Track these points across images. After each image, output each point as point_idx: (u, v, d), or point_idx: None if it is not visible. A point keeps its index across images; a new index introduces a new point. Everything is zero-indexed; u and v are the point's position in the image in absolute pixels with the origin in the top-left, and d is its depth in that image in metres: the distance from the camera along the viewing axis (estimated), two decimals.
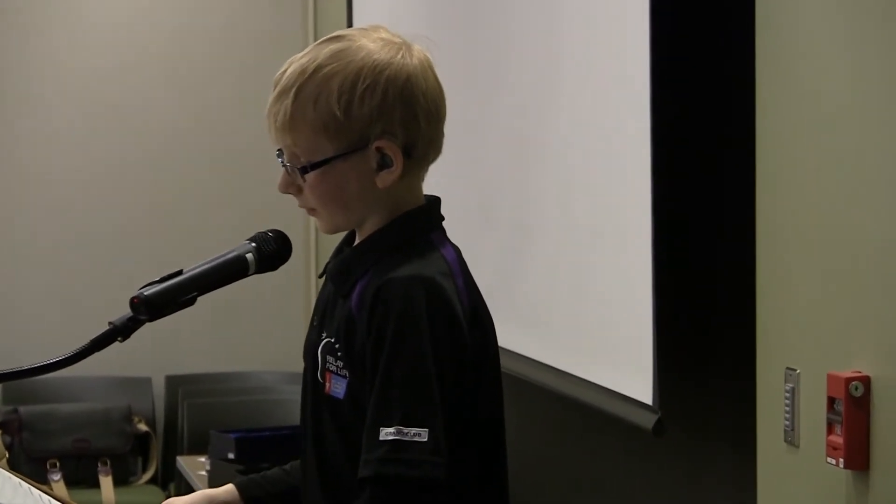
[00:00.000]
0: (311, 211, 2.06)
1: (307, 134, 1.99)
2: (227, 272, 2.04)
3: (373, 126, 1.98)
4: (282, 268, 2.11)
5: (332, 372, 2.01)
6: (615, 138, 3.10)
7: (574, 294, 3.33)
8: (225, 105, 6.16)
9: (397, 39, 2.03)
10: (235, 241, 2.08)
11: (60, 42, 6.05)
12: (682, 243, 2.96)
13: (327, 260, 2.13)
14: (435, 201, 2.09)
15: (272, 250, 2.07)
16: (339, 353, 2.00)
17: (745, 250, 2.71)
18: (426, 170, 2.07)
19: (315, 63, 2.00)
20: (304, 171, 2.01)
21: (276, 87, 2.02)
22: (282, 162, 2.05)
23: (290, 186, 2.05)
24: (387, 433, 1.89)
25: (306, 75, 1.99)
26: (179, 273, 2.02)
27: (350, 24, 5.21)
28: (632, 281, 2.98)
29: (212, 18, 6.17)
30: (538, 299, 3.53)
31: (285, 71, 2.03)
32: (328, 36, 2.05)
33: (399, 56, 2.01)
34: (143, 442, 5.90)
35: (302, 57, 2.02)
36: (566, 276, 3.37)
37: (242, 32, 6.18)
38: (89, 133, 6.07)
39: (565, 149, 3.37)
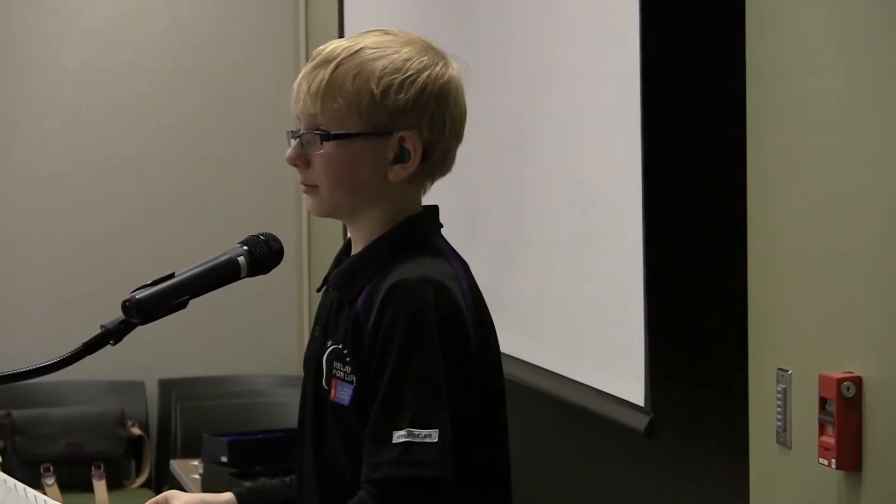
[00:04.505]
0: (311, 189, 2.06)
1: (339, 105, 2.00)
2: (219, 275, 2.04)
3: (404, 116, 2.01)
4: (274, 271, 2.10)
5: (339, 378, 2.00)
6: (606, 140, 3.10)
7: (566, 295, 3.33)
8: (217, 108, 6.14)
9: (440, 50, 2.08)
10: (227, 244, 2.08)
11: (49, 44, 6.03)
12: (673, 245, 2.96)
13: (319, 264, 2.13)
14: (434, 208, 2.10)
15: (264, 253, 2.07)
16: (347, 359, 2.00)
17: (736, 251, 2.70)
18: (430, 185, 2.09)
19: (361, 45, 2.03)
20: (326, 137, 2.01)
21: (314, 58, 2.04)
22: (294, 135, 2.06)
23: (299, 158, 2.05)
24: (399, 436, 1.90)
25: (351, 52, 2.02)
26: (171, 276, 2.01)
27: (341, 26, 5.22)
28: (623, 282, 2.98)
29: (203, 19, 6.15)
30: (530, 300, 3.53)
31: (327, 47, 2.05)
32: (374, 28, 2.08)
33: (441, 64, 2.05)
34: (136, 446, 5.88)
35: (345, 39, 2.06)
36: (558, 277, 3.37)
37: (234, 33, 6.17)
38: (81, 135, 6.04)
39: (556, 152, 3.37)
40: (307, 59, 2.10)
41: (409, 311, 1.94)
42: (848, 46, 2.38)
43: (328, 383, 2.02)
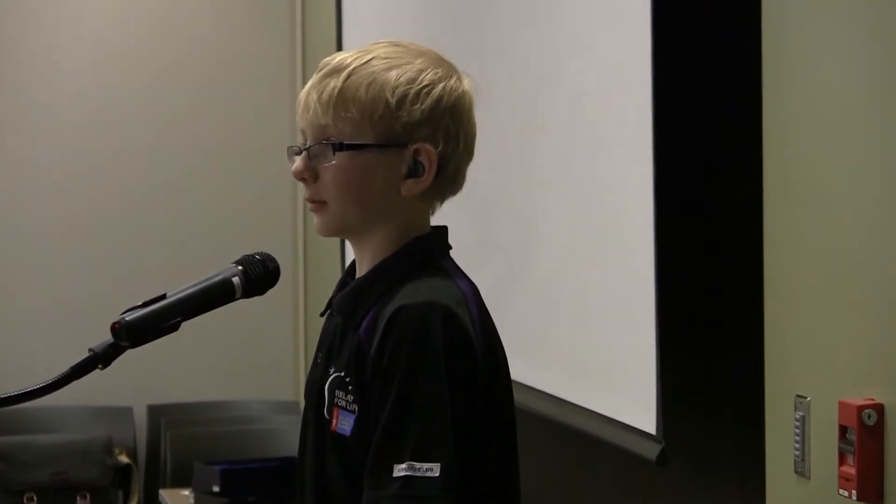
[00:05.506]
0: (318, 205, 2.01)
1: (352, 115, 1.96)
2: (213, 296, 2.00)
3: (418, 128, 1.97)
4: (269, 293, 2.06)
5: (340, 408, 1.96)
6: (616, 157, 3.09)
7: (575, 320, 3.33)
8: (213, 123, 6.13)
9: (451, 63, 2.05)
10: (222, 264, 2.04)
11: (47, 50, 6.02)
12: (686, 267, 2.95)
13: (316, 285, 2.08)
14: (443, 230, 2.06)
15: (259, 273, 2.03)
16: (349, 388, 1.95)
17: (752, 274, 2.68)
18: (440, 205, 2.06)
19: (372, 55, 2.00)
20: (339, 147, 1.96)
21: (322, 69, 2.01)
22: (299, 149, 2.01)
23: (307, 171, 2.00)
24: (399, 469, 1.85)
25: (362, 61, 1.99)
26: (163, 297, 1.98)
27: (339, 34, 5.25)
28: (634, 306, 2.97)
29: (199, 25, 6.15)
30: (538, 325, 3.52)
31: (335, 57, 2.01)
32: (382, 40, 2.05)
33: (455, 77, 2.03)
34: (124, 474, 5.84)
35: (353, 51, 2.02)
36: (566, 301, 3.37)
37: (230, 43, 6.17)
38: (78, 143, 6.00)
39: (564, 169, 3.37)
40: (304, 72, 2.04)
41: (413, 338, 1.89)
42: (868, 47, 2.35)
43: (330, 413, 1.97)
